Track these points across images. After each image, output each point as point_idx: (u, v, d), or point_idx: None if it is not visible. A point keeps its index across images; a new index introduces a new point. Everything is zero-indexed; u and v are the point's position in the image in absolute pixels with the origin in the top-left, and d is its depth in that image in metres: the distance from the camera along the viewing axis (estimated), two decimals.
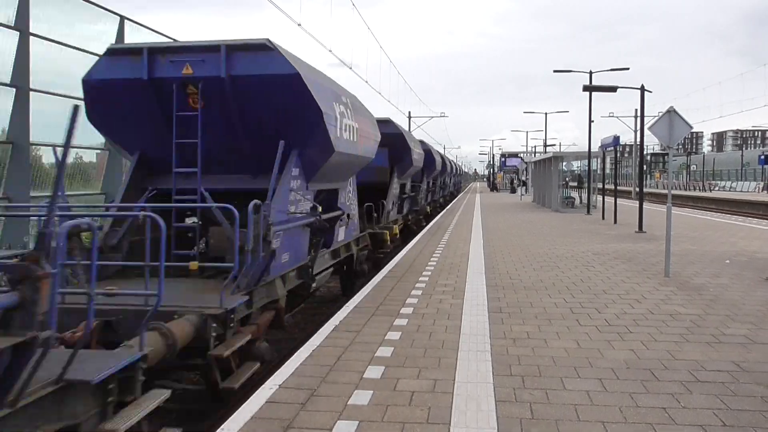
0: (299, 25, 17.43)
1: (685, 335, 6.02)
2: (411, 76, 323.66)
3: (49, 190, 11.47)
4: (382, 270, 10.29)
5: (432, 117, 62.72)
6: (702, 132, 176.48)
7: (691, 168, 76.73)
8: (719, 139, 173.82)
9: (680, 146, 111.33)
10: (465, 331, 6.21)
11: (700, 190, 57.18)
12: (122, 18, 12.70)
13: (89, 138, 12.67)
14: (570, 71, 29.01)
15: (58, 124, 11.46)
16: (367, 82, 30.22)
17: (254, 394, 4.50)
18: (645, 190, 23.10)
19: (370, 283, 9.05)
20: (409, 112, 52.95)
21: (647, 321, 6.61)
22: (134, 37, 13.21)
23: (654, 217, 19.91)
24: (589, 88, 22.08)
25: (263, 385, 4.67)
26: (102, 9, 12.12)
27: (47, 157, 12.02)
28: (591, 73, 26.24)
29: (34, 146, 10.68)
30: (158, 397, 3.72)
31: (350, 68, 25.14)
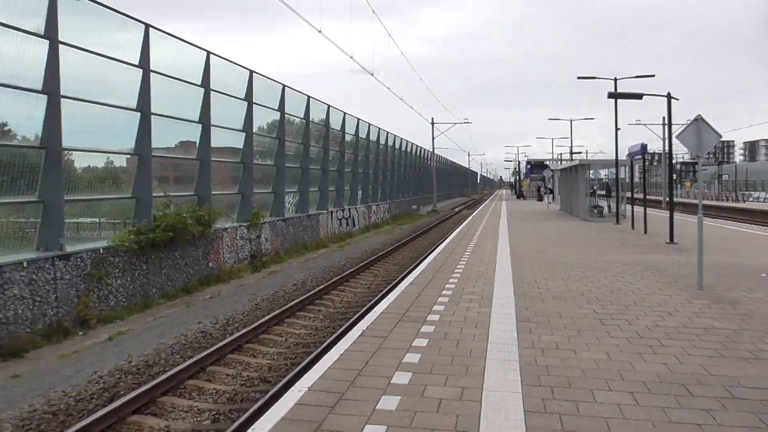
0: (320, 31, 17.61)
1: (720, 350, 5.87)
2: (433, 82, 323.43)
3: (84, 194, 11.73)
4: (408, 277, 10.28)
5: (455, 123, 62.60)
6: (733, 141, 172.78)
7: (723, 178, 75.00)
8: (752, 148, 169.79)
9: (711, 155, 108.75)
10: (493, 339, 6.16)
11: (732, 200, 55.88)
12: (147, 26, 12.94)
13: (120, 143, 12.94)
14: (594, 78, 28.07)
15: (88, 130, 11.74)
16: (389, 88, 30.37)
17: (283, 396, 4.53)
18: (675, 199, 22.63)
19: (396, 289, 9.05)
20: (432, 119, 52.69)
21: (680, 334, 6.47)
22: (160, 45, 13.46)
23: (685, 227, 19.51)
24: (614, 95, 21.65)
25: (292, 387, 4.71)
26: (128, 17, 12.36)
27: (79, 162, 12.30)
28: (616, 79, 25.68)
29: (66, 151, 10.90)
30: None
31: (371, 75, 25.29)
